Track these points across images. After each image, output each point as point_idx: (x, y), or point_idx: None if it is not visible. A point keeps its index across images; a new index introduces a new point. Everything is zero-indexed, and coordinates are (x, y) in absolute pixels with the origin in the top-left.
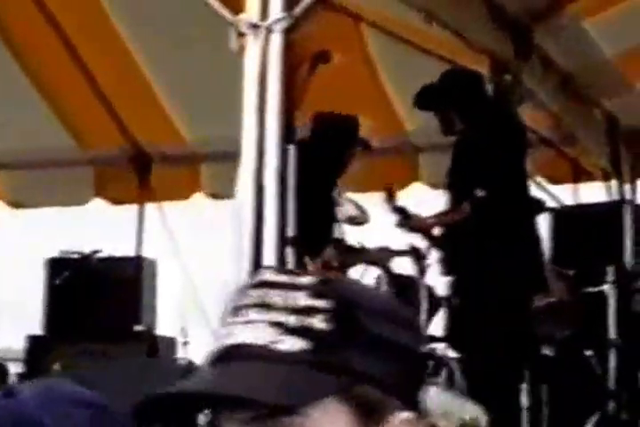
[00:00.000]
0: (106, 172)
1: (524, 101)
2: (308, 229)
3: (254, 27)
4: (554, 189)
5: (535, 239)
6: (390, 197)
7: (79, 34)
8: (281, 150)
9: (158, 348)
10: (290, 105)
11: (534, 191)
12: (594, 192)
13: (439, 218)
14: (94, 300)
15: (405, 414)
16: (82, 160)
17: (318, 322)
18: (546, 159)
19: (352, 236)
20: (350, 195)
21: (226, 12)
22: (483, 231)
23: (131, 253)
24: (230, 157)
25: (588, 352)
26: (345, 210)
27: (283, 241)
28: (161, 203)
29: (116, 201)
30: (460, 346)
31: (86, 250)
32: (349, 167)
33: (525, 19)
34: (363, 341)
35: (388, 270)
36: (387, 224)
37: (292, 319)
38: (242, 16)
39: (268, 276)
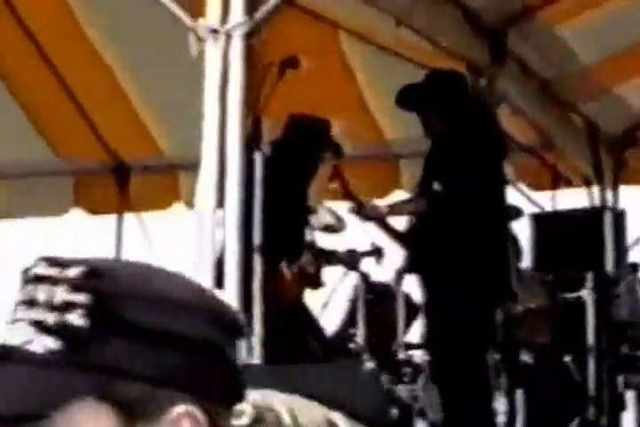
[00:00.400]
0: (85, 182)
1: (499, 106)
2: (282, 235)
3: (214, 32)
4: (534, 195)
5: (502, 244)
6: (359, 208)
7: (56, 46)
8: (243, 157)
9: None
10: (256, 111)
11: (515, 197)
12: (572, 198)
13: (393, 207)
14: None
15: (183, 408)
16: (61, 171)
17: (76, 318)
18: (524, 165)
19: (326, 241)
20: (331, 203)
21: (185, 17)
22: (442, 230)
23: None
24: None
25: (567, 358)
26: (321, 217)
27: (247, 248)
28: (140, 213)
29: (95, 211)
30: (430, 350)
31: None
32: (325, 173)
33: (500, 24)
34: (125, 335)
35: (365, 279)
36: (362, 231)
37: (50, 317)
38: (201, 21)
39: (39, 269)
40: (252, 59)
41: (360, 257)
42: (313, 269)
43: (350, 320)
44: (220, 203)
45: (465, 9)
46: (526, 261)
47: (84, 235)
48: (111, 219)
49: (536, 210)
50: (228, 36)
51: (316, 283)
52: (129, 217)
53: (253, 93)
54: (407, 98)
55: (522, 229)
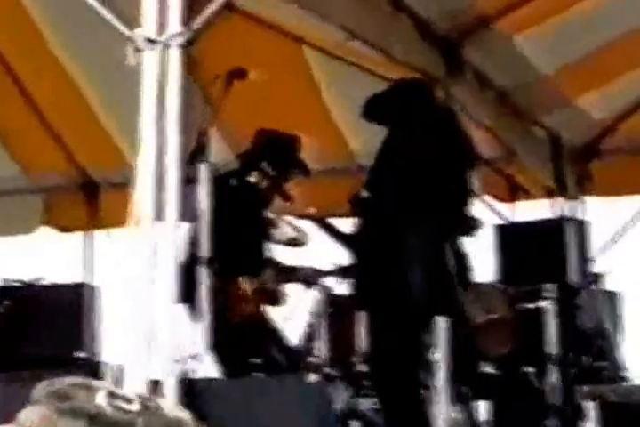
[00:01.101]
0: (54, 200)
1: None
2: (242, 250)
3: (151, 42)
4: (497, 206)
5: (441, 256)
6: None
7: (23, 63)
8: (181, 170)
9: (99, 374)
10: (204, 123)
11: (479, 209)
12: (536, 210)
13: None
14: (35, 327)
15: None
16: (29, 188)
17: None
18: (488, 177)
19: (288, 255)
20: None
21: (122, 27)
22: (374, 238)
23: (80, 280)
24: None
25: (528, 369)
26: (284, 232)
27: (193, 262)
28: (109, 230)
29: (65, 229)
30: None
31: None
32: (292, 188)
33: (454, 35)
34: None
35: (327, 292)
36: (327, 245)
37: None
38: (138, 31)
39: None
40: (191, 69)
41: (324, 275)
42: (273, 286)
43: (312, 333)
44: (158, 218)
45: (418, 20)
46: (491, 272)
47: (53, 253)
48: (81, 236)
49: (500, 221)
50: (166, 46)
51: (275, 300)
52: (98, 234)
53: (200, 106)
54: (371, 110)
55: (486, 240)
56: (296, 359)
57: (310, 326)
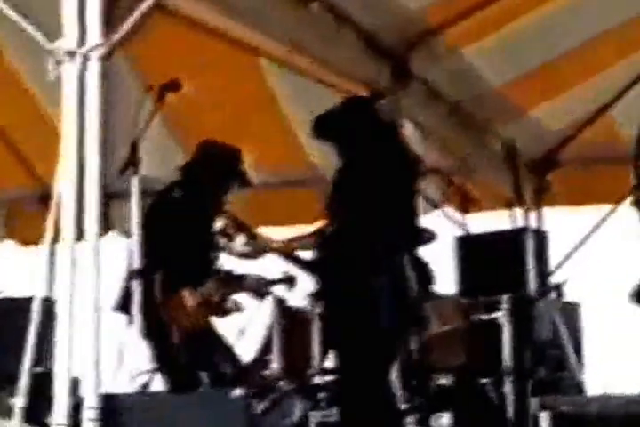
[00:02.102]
0: (16, 213)
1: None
2: (185, 261)
3: (70, 54)
4: (458, 217)
5: (402, 271)
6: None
7: None
8: (100, 183)
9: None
10: (134, 136)
11: (440, 220)
12: (494, 221)
13: (285, 242)
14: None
15: None
16: None
17: None
18: (446, 188)
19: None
20: (260, 229)
21: (42, 39)
22: (340, 261)
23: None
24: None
25: (484, 380)
26: (238, 244)
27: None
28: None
29: (27, 242)
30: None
31: None
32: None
33: (400, 48)
34: None
35: (280, 303)
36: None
37: None
38: (58, 43)
39: None
40: (110, 81)
41: (270, 284)
42: (217, 297)
43: (267, 346)
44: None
45: (362, 32)
46: (451, 284)
47: (16, 266)
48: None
49: (460, 233)
50: (86, 59)
51: (220, 311)
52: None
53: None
54: (319, 129)
55: (446, 252)
56: (245, 373)
57: (265, 338)
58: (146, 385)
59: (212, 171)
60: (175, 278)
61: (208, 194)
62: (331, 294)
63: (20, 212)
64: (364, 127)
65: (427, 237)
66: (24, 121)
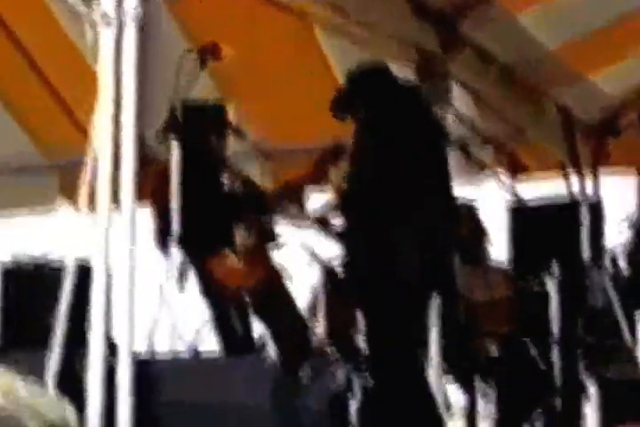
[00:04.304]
0: (70, 179)
1: (449, 97)
2: (202, 224)
3: (106, 18)
4: (510, 183)
5: (434, 237)
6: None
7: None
8: (137, 148)
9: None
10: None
11: (493, 186)
12: (550, 187)
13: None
14: (48, 308)
15: None
16: (46, 167)
17: None
18: (498, 154)
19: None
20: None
21: (79, 4)
22: (365, 228)
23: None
24: None
25: (532, 347)
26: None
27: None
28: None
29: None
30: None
31: (43, 258)
32: None
33: (450, 11)
34: None
35: (326, 269)
36: None
37: None
38: (95, 8)
39: None
40: (147, 46)
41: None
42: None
43: (312, 309)
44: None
45: None
46: (504, 254)
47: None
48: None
49: (513, 198)
50: (122, 23)
51: (267, 238)
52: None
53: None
54: (338, 105)
55: (501, 222)
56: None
57: (311, 303)
58: (194, 346)
59: (201, 128)
60: (208, 240)
61: (205, 153)
62: (358, 258)
63: (75, 178)
64: (381, 96)
65: (466, 208)
66: (86, 93)
